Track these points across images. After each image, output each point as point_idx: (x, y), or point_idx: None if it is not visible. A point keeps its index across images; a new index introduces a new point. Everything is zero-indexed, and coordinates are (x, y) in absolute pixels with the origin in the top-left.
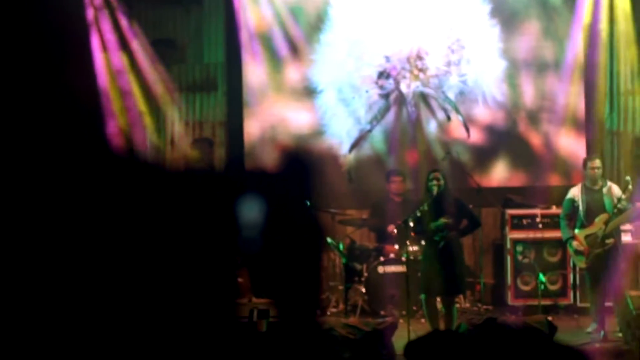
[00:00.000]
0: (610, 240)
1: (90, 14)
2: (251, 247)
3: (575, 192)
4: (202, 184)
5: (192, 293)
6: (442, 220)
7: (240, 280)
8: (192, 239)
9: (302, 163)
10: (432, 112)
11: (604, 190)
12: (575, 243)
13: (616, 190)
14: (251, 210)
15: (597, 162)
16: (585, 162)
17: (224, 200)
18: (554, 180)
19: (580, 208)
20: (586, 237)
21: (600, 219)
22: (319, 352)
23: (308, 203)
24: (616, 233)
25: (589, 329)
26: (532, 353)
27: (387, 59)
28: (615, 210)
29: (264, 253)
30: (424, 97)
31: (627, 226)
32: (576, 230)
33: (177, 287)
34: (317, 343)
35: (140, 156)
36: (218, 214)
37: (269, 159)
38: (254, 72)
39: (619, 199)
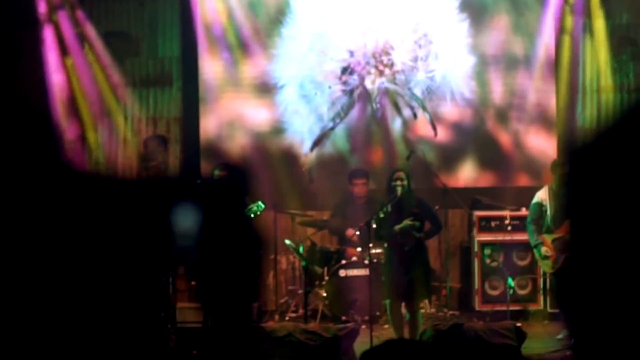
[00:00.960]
0: None
1: (42, 8)
2: (186, 256)
3: (542, 196)
4: (139, 193)
5: (120, 306)
6: (407, 222)
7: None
8: (123, 249)
9: (239, 172)
10: (398, 109)
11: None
12: (543, 248)
13: None
14: (187, 220)
15: (567, 168)
16: (554, 165)
17: (160, 209)
18: (524, 180)
19: (548, 212)
20: (554, 241)
21: (568, 223)
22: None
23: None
24: None
25: (560, 336)
26: None
27: (352, 53)
28: None
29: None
30: (389, 94)
31: None
32: (544, 235)
33: (105, 300)
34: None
35: (78, 165)
36: (153, 224)
37: (227, 156)
38: (211, 66)
39: None
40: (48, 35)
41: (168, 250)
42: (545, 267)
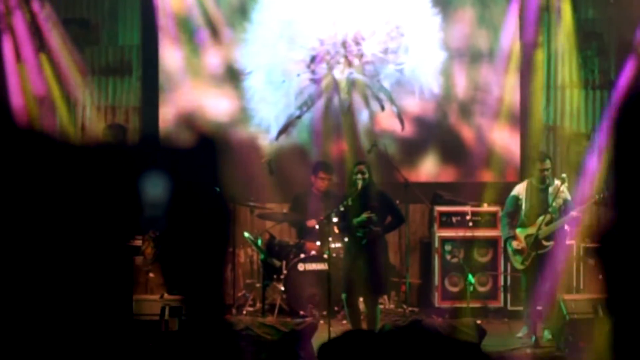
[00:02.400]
0: (549, 243)
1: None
2: (154, 226)
3: (519, 190)
4: (104, 159)
5: (86, 279)
6: (364, 215)
7: (151, 275)
8: (88, 216)
9: (214, 145)
10: (366, 101)
11: (550, 189)
12: (515, 243)
13: (565, 191)
14: (156, 188)
15: (547, 163)
16: (534, 161)
17: (127, 176)
18: (487, 176)
19: (523, 207)
20: (526, 237)
21: (542, 220)
22: (228, 352)
23: (217, 190)
24: (557, 235)
25: (520, 334)
26: None
27: (322, 42)
28: (560, 212)
29: (168, 235)
30: (358, 85)
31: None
32: (517, 230)
33: (70, 273)
34: (226, 342)
35: (39, 130)
36: (120, 191)
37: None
38: (171, 55)
39: (565, 201)
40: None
41: (136, 218)
42: (515, 262)
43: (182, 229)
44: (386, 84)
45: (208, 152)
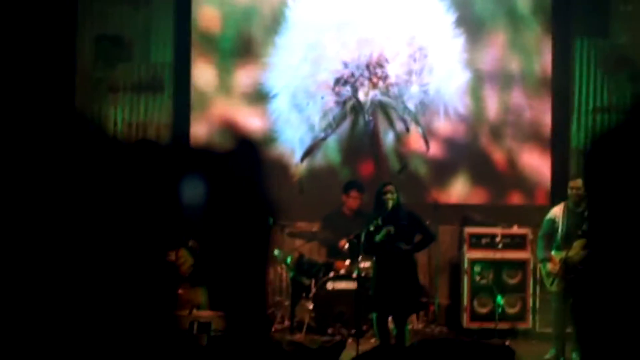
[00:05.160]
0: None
1: None
2: (193, 234)
3: (556, 212)
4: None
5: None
6: (384, 231)
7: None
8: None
9: (253, 147)
10: (391, 122)
11: (586, 213)
12: (550, 265)
13: None
14: (195, 190)
15: (579, 183)
16: (568, 182)
17: (167, 176)
18: (516, 198)
19: (560, 229)
20: (561, 260)
21: (578, 244)
22: None
23: (271, 221)
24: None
25: (548, 356)
26: None
27: (345, 64)
28: None
29: (210, 246)
30: (382, 106)
31: None
32: (552, 252)
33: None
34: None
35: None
36: (159, 195)
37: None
38: (203, 74)
39: None
40: None
41: (175, 221)
42: (549, 284)
43: (224, 239)
44: (411, 104)
45: (251, 156)
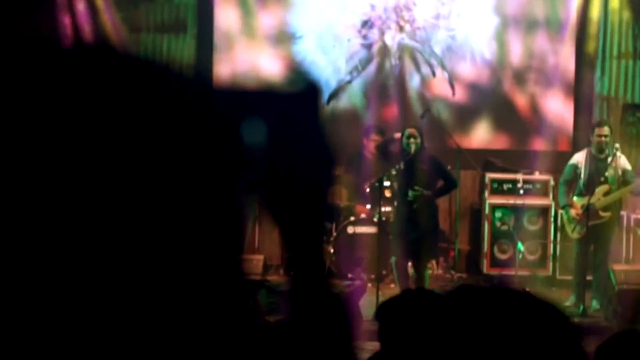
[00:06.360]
0: (607, 214)
1: None
2: (254, 169)
3: (579, 158)
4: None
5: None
6: (418, 190)
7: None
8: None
9: (317, 91)
10: (417, 66)
11: (609, 160)
12: (572, 211)
13: (623, 161)
14: (255, 131)
15: (605, 130)
16: (592, 127)
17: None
18: (539, 144)
19: (582, 176)
20: (583, 206)
21: (600, 190)
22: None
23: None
24: (614, 206)
25: (568, 302)
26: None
27: (373, 7)
28: (618, 183)
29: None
30: (408, 50)
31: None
32: (574, 198)
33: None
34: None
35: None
36: (217, 133)
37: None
38: (227, 14)
39: (624, 171)
40: None
41: (235, 161)
42: (570, 231)
43: (287, 183)
44: (437, 49)
45: (314, 101)
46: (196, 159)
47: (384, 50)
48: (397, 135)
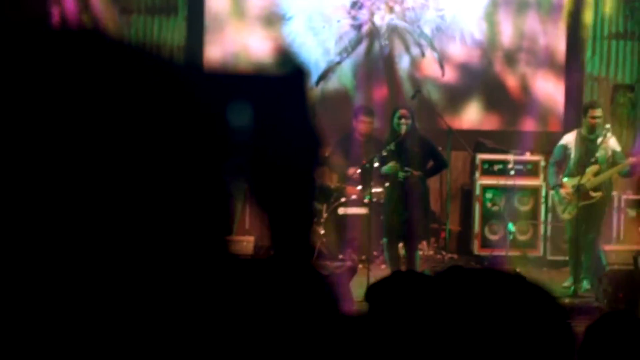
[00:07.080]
0: (597, 194)
1: None
2: (241, 152)
3: (569, 139)
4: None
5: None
6: (409, 171)
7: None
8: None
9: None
10: (406, 47)
11: (599, 140)
12: (562, 191)
13: (613, 142)
14: (241, 114)
15: (598, 112)
16: (585, 109)
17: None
18: (529, 125)
19: (572, 156)
20: (574, 186)
21: (590, 170)
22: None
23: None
24: (605, 186)
25: (566, 283)
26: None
27: None
28: (608, 164)
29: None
30: (398, 31)
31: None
32: (564, 179)
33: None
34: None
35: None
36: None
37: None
38: None
39: (614, 152)
40: None
41: (222, 143)
42: (560, 211)
43: (274, 166)
44: (427, 29)
45: (301, 84)
46: (184, 140)
47: (374, 31)
48: None
